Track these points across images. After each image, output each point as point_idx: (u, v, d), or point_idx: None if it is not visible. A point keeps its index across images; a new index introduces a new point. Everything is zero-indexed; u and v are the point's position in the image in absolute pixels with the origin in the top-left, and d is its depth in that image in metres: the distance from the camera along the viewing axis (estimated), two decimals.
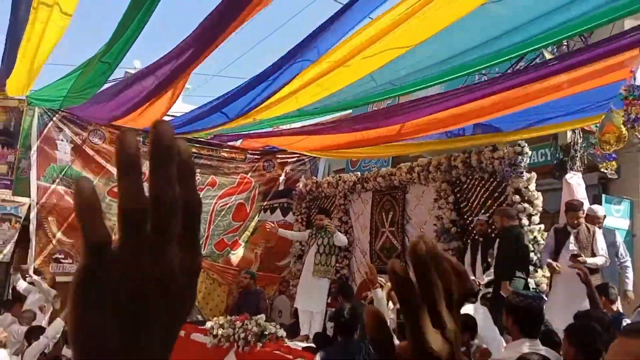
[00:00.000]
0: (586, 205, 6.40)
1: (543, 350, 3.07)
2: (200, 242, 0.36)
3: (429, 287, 0.47)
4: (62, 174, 8.77)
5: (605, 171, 5.97)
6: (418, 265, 0.47)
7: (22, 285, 7.56)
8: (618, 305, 5.07)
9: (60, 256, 8.60)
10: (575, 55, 4.26)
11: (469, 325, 4.01)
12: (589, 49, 4.22)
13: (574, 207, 5.82)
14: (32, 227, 8.38)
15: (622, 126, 4.25)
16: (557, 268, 5.58)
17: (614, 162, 5.66)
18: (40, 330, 6.01)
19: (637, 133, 3.99)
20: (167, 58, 5.18)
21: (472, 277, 6.51)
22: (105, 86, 6.61)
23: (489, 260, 6.39)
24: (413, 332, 0.48)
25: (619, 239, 6.01)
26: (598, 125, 4.62)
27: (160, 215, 0.37)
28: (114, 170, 9.18)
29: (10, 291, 8.20)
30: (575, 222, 5.72)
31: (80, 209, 0.37)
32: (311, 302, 6.98)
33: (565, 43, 6.78)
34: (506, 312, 3.39)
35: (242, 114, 6.12)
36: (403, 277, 0.46)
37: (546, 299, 5.60)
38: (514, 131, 6.27)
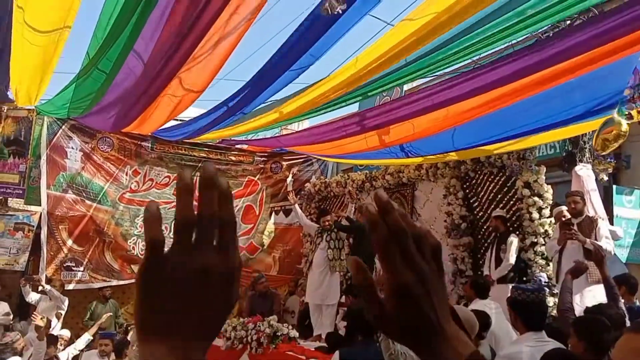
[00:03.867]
0: (596, 197, 6.36)
1: (551, 342, 3.05)
2: (235, 249, 0.55)
3: (395, 226, 0.55)
4: (72, 182, 8.85)
5: (599, 172, 5.98)
6: (381, 208, 0.55)
7: (31, 296, 7.64)
8: None
9: (71, 264, 8.68)
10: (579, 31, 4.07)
11: (481, 321, 3.98)
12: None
13: (569, 194, 5.90)
14: (43, 235, 8.46)
15: (621, 123, 4.21)
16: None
17: (608, 165, 5.64)
18: (52, 338, 6.08)
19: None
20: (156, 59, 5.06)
21: (486, 273, 6.49)
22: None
23: (501, 255, 6.37)
24: (386, 265, 0.55)
25: (603, 225, 5.96)
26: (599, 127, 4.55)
27: (202, 227, 0.51)
28: (123, 176, 9.31)
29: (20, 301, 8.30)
30: (573, 206, 5.77)
31: (147, 219, 0.51)
32: (322, 295, 6.98)
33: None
34: (509, 308, 3.38)
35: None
36: (374, 216, 0.55)
37: (548, 290, 5.66)
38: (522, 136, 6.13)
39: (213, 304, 0.51)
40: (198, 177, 0.51)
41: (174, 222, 0.51)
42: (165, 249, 0.51)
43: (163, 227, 0.50)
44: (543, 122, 5.27)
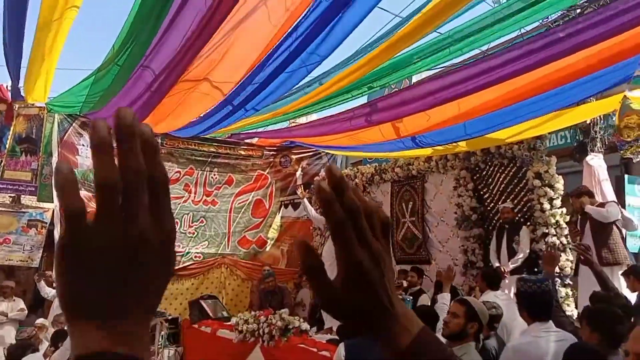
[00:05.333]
0: (607, 186, 6.32)
1: (559, 332, 3.05)
2: (172, 212, 0.47)
3: (349, 204, 0.52)
4: (84, 178, 8.92)
5: (631, 156, 5.95)
6: (334, 186, 0.52)
7: (47, 291, 7.72)
8: None
9: None
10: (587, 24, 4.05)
11: (492, 312, 3.98)
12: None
13: (571, 193, 6.09)
14: (57, 232, 8.55)
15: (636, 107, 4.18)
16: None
17: (636, 147, 5.58)
18: (66, 334, 6.11)
19: None
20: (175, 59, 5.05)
21: (497, 264, 6.47)
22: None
23: (514, 246, 6.35)
24: (340, 245, 0.53)
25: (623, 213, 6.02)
26: (616, 113, 4.51)
27: (128, 183, 0.43)
28: None
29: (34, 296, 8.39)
30: (578, 206, 5.97)
31: (59, 184, 0.42)
32: None
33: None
34: (516, 300, 3.38)
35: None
36: (328, 195, 0.51)
37: (560, 281, 5.74)
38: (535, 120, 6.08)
39: (150, 274, 0.44)
40: (113, 128, 0.42)
41: (95, 186, 0.43)
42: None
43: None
44: (553, 104, 5.25)
